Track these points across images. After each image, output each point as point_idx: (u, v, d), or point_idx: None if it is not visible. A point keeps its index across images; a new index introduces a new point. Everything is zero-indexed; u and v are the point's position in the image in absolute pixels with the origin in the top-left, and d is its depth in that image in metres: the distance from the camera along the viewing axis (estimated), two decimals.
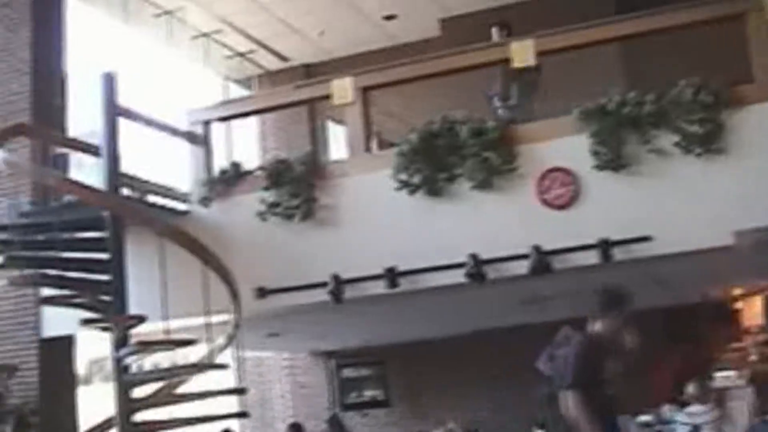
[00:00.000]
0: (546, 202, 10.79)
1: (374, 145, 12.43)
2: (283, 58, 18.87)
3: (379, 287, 11.15)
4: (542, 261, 10.50)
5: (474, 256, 10.69)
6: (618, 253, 10.33)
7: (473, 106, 11.93)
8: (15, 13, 13.34)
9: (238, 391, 11.17)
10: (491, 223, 10.96)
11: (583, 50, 11.68)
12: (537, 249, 10.50)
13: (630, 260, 10.40)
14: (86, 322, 10.68)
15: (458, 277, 10.82)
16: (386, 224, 11.32)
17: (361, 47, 17.61)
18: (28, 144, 11.92)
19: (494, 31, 12.91)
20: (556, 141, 10.95)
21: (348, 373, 19.11)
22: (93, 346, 14.94)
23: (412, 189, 11.18)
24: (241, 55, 18.50)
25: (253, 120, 18.08)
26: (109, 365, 10.56)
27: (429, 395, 18.22)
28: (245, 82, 19.55)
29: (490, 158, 10.93)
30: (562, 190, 10.75)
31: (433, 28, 17.05)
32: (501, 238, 10.83)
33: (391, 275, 11.04)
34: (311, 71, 18.58)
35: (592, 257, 10.41)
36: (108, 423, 10.49)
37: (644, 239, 10.27)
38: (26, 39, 13.24)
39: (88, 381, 15.60)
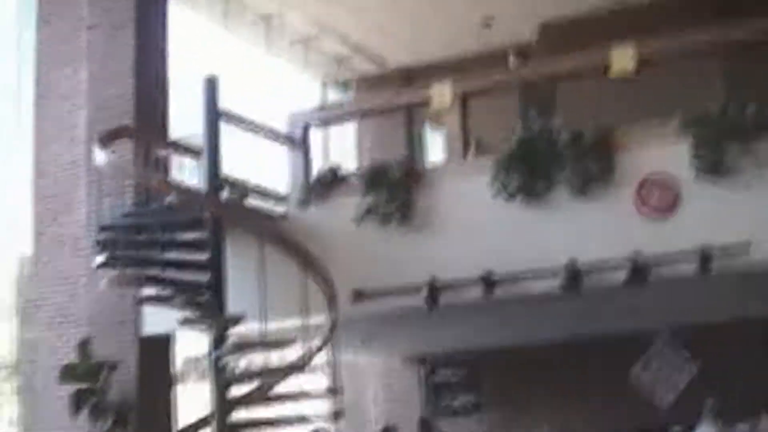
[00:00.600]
0: (644, 210, 10.68)
1: (472, 150, 12.43)
2: (380, 63, 18.95)
3: (475, 293, 11.14)
4: (639, 270, 10.40)
5: (569, 265, 10.63)
6: (717, 262, 10.19)
7: (570, 113, 11.87)
8: (118, 17, 13.58)
9: (333, 393, 11.25)
10: (588, 231, 10.88)
11: (683, 56, 11.57)
12: (634, 258, 10.40)
13: (729, 270, 10.26)
14: (185, 321, 10.88)
15: (554, 285, 10.78)
16: (483, 230, 11.31)
17: (458, 51, 17.58)
18: (131, 146, 12.12)
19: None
20: (655, 148, 10.84)
21: (440, 378, 19.07)
22: (190, 345, 15.22)
23: (509, 195, 11.15)
24: (339, 60, 18.62)
25: (350, 123, 18.18)
26: (205, 364, 10.75)
27: (521, 402, 18.09)
28: (343, 86, 19.67)
29: (588, 165, 10.86)
30: (661, 198, 10.64)
31: (530, 33, 16.96)
32: (598, 246, 10.75)
33: (487, 281, 11.02)
34: (408, 75, 18.62)
35: (690, 267, 10.28)
36: (204, 421, 10.66)
37: (743, 245, 10.10)
38: (129, 43, 13.47)
39: (184, 379, 15.82)
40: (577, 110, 12.48)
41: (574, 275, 10.62)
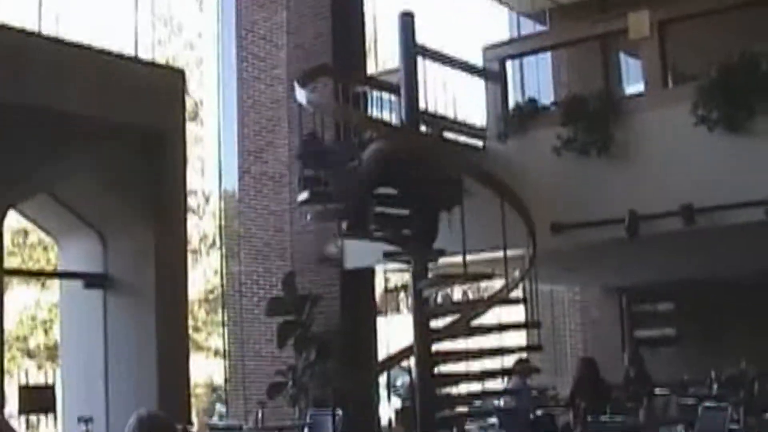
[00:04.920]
0: None
1: (670, 79, 12.20)
2: None
3: (675, 224, 10.99)
4: None
5: None
6: None
7: None
8: None
9: (533, 325, 11.31)
10: None
11: None
12: None
13: None
14: (387, 255, 11.09)
15: (758, 215, 10.53)
16: (683, 160, 11.12)
17: None
18: (330, 83, 12.34)
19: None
20: None
21: (639, 308, 18.93)
22: (390, 278, 15.51)
23: (711, 125, 10.91)
24: None
25: (546, 54, 17.99)
26: (404, 297, 10.95)
27: (722, 334, 17.78)
28: (536, 16, 19.45)
29: None
30: None
31: None
32: None
33: (688, 212, 10.85)
34: (603, 3, 18.26)
35: None
36: (407, 352, 10.89)
37: None
38: None
39: (385, 311, 16.15)
40: None
41: None
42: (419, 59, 11.38)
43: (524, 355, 12.88)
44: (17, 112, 9.91)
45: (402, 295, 17.82)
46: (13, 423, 8.74)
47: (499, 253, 10.39)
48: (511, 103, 12.47)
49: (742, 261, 15.23)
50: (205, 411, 18.43)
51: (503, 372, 12.44)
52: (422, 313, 10.58)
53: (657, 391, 12.52)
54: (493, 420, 13.19)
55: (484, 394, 12.52)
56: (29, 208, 11.32)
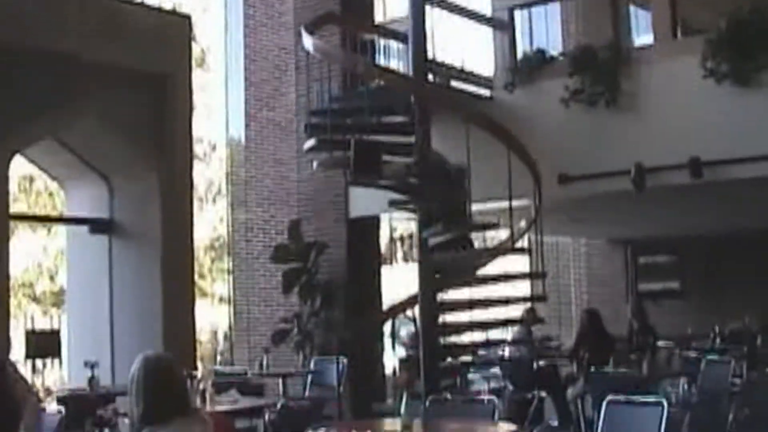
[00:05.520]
0: None
1: (679, 31, 12.12)
2: None
3: (682, 177, 10.97)
4: None
5: None
6: None
7: None
8: None
9: (538, 276, 11.33)
10: None
11: None
12: None
13: None
14: (393, 203, 11.09)
15: (765, 169, 10.49)
16: (690, 113, 11.07)
17: None
18: (338, 32, 12.29)
19: None
20: None
21: (644, 261, 18.95)
22: (398, 226, 15.50)
23: (719, 78, 10.84)
24: None
25: (555, 4, 17.86)
26: (409, 245, 10.96)
27: (725, 289, 17.80)
28: None
29: None
30: None
31: None
32: None
33: (695, 165, 10.82)
34: None
35: None
36: (412, 300, 10.92)
37: None
38: None
39: (390, 260, 16.18)
40: None
41: None
42: (427, 8, 11.32)
43: (530, 305, 12.92)
44: (22, 57, 9.89)
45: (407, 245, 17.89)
46: (20, 368, 8.78)
47: (505, 203, 10.40)
48: (520, 53, 12.40)
49: (748, 216, 15.22)
50: (209, 357, 18.52)
51: (507, 322, 12.50)
52: (426, 261, 10.60)
53: (660, 344, 12.54)
54: (496, 370, 13.27)
55: (488, 344, 12.56)
56: (35, 153, 11.31)
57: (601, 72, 11.44)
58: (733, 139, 10.77)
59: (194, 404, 5.33)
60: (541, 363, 12.80)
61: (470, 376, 12.72)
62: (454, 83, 12.40)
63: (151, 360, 4.36)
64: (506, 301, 11.78)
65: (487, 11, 12.64)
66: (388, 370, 13.39)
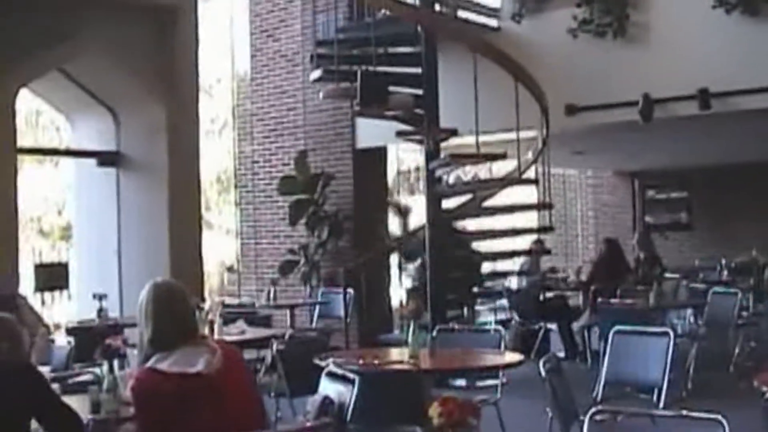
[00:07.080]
0: None
1: None
2: None
3: (690, 108, 10.90)
4: None
5: None
6: None
7: None
8: None
9: (544, 206, 11.34)
10: None
11: None
12: None
13: None
14: (400, 134, 11.07)
15: None
16: (699, 44, 10.97)
17: None
18: None
19: None
20: None
21: (652, 194, 18.95)
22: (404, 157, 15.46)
23: (729, 8, 10.72)
24: None
25: None
26: (415, 177, 10.95)
27: (733, 221, 17.83)
28: None
29: None
30: None
31: None
32: None
33: (704, 96, 10.75)
34: None
35: None
36: (419, 231, 10.94)
37: None
38: None
39: (398, 192, 16.15)
40: None
41: None
42: None
43: (537, 236, 12.92)
44: None
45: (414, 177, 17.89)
46: (29, 300, 8.83)
47: (512, 134, 10.38)
48: None
49: (756, 148, 15.17)
50: (217, 289, 18.59)
51: (514, 253, 12.52)
52: (434, 192, 10.60)
53: (667, 275, 12.57)
54: (503, 301, 13.32)
55: (495, 275, 12.59)
56: (41, 86, 11.27)
57: (609, 2, 11.33)
58: (742, 69, 10.68)
59: (202, 332, 5.34)
60: (549, 294, 12.83)
61: (477, 307, 12.78)
62: (461, 13, 12.30)
63: (161, 286, 4.37)
64: (513, 232, 11.79)
65: None
66: (395, 302, 13.44)
